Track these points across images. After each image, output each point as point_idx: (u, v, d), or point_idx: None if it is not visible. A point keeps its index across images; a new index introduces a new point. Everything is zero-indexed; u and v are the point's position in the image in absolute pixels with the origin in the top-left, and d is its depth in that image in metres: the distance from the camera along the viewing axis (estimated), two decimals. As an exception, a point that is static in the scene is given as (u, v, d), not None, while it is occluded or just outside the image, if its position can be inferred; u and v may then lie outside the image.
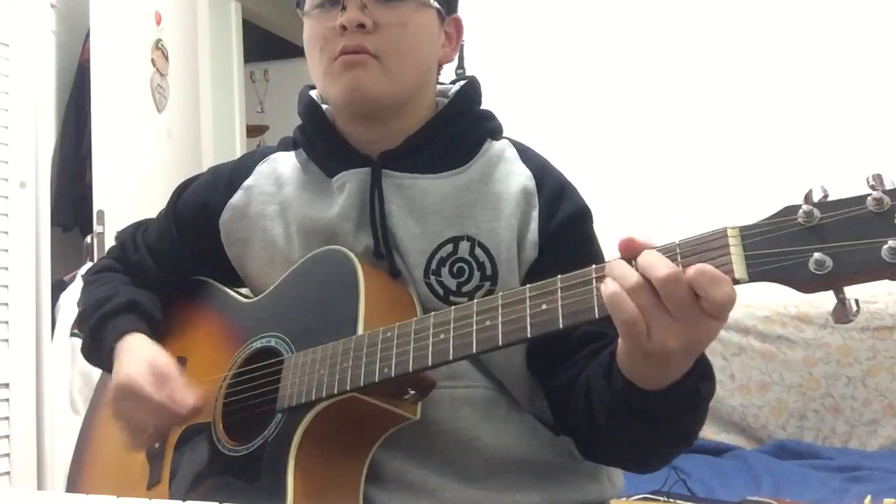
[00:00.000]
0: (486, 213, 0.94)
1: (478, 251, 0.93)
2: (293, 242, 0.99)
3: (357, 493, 0.86)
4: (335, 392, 0.83)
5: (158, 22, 2.94)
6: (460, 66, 2.11)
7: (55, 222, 2.58)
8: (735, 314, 2.39)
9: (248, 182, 1.05)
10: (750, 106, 2.66)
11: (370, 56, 0.92)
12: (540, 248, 0.94)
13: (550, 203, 0.95)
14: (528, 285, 0.74)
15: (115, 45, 2.64)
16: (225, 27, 3.91)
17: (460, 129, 0.99)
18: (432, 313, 0.80)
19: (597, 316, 0.68)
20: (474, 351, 0.75)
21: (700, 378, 0.74)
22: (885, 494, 1.74)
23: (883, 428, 2.27)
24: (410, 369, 0.79)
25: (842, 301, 0.61)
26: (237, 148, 3.91)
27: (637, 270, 0.65)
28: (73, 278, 2.45)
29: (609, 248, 0.80)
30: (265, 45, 4.99)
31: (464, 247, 0.93)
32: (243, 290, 1.09)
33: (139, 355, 0.97)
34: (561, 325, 0.70)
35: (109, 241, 2.40)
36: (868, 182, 0.59)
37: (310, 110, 1.02)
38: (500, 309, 0.74)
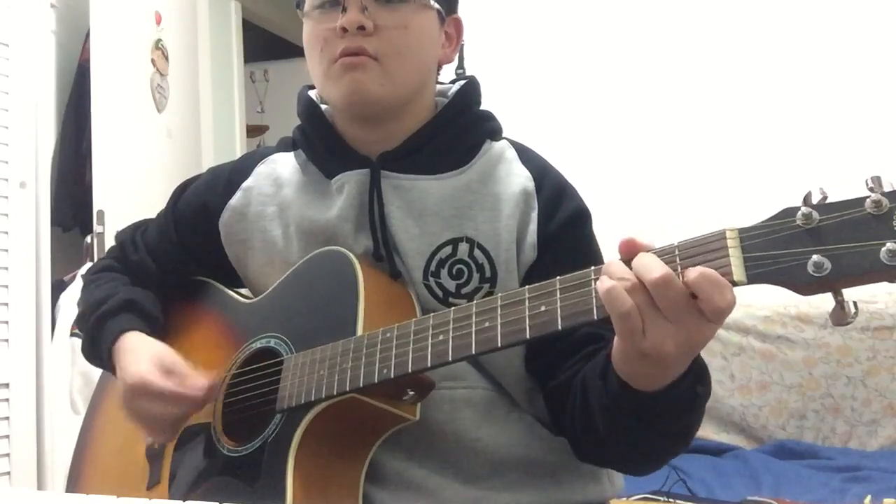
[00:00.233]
0: (486, 215, 0.94)
1: (477, 253, 0.93)
2: (292, 243, 0.99)
3: (357, 493, 0.86)
4: (335, 393, 0.83)
5: (158, 22, 2.94)
6: (460, 66, 2.10)
7: (55, 222, 2.58)
8: (735, 314, 2.39)
9: (248, 183, 1.04)
10: (749, 107, 2.66)
11: (370, 58, 0.91)
12: (539, 249, 0.94)
13: (550, 204, 0.95)
14: (526, 286, 0.74)
15: (115, 45, 2.64)
16: (225, 27, 3.91)
17: (459, 129, 0.99)
18: (431, 314, 0.80)
19: (595, 317, 0.68)
20: (473, 352, 0.75)
21: (696, 380, 0.74)
22: (885, 494, 1.74)
23: (883, 428, 2.27)
24: (409, 370, 0.79)
25: (840, 303, 0.61)
26: (237, 148, 3.91)
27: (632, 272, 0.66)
28: (73, 278, 2.45)
29: (609, 249, 0.80)
30: (265, 45, 4.99)
31: (463, 248, 0.93)
32: (243, 291, 1.09)
33: (142, 353, 0.97)
34: (560, 327, 0.70)
35: (109, 241, 2.40)
36: (867, 184, 0.59)
37: (309, 111, 1.02)
38: (499, 310, 0.74)
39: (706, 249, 0.64)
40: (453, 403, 0.91)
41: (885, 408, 2.28)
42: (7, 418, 2.33)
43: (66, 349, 2.31)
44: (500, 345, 0.73)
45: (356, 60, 0.91)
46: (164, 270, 1.11)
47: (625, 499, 1.80)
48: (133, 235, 1.15)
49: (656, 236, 0.68)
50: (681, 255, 0.65)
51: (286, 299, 0.97)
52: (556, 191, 0.96)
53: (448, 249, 0.93)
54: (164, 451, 1.00)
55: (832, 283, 0.59)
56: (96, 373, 1.17)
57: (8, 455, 2.32)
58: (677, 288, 0.63)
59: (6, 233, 2.36)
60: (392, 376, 0.79)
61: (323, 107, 1.02)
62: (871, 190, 0.58)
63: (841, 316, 0.61)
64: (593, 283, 0.68)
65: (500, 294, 0.76)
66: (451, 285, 0.93)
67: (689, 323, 0.64)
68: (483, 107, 1.03)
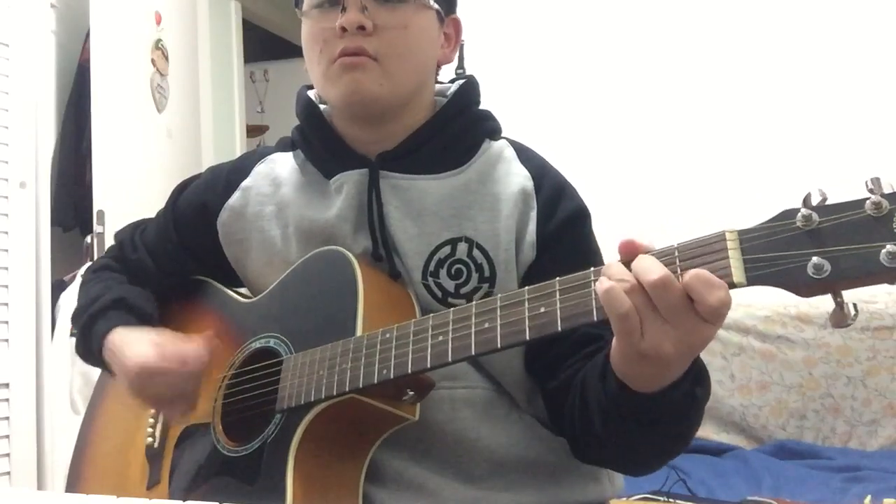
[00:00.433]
0: (485, 214, 0.94)
1: (476, 252, 0.93)
2: (291, 243, 0.99)
3: (356, 493, 0.86)
4: (334, 393, 0.83)
5: (158, 22, 2.94)
6: (460, 66, 2.10)
7: (55, 222, 2.58)
8: (735, 314, 2.40)
9: (246, 183, 1.04)
10: (750, 108, 2.66)
11: (370, 58, 0.91)
12: (538, 249, 0.94)
13: (549, 204, 0.95)
14: (526, 287, 0.73)
15: (115, 45, 2.64)
16: (225, 27, 3.91)
17: (458, 129, 0.99)
18: (431, 315, 0.80)
19: (595, 319, 0.68)
20: (473, 353, 0.75)
21: (696, 382, 0.73)
22: (885, 494, 1.74)
23: (883, 428, 2.27)
24: (409, 371, 0.79)
25: (840, 305, 0.60)
26: (237, 148, 3.91)
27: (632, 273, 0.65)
28: (73, 278, 2.44)
29: (608, 249, 0.80)
30: (265, 45, 4.99)
31: (462, 248, 0.93)
32: (242, 290, 1.09)
33: (136, 340, 0.97)
34: (559, 328, 0.69)
35: (109, 241, 2.38)
36: (867, 186, 0.58)
37: (307, 111, 1.02)
38: (498, 311, 0.74)
39: (706, 251, 0.64)
40: (453, 403, 0.91)
41: (885, 408, 2.28)
42: (7, 418, 2.33)
43: (66, 349, 2.30)
44: (499, 346, 0.73)
45: (356, 60, 0.91)
46: (163, 270, 1.11)
47: (625, 499, 1.80)
48: (132, 235, 1.15)
49: (656, 236, 0.68)
50: (680, 256, 0.65)
51: (285, 299, 0.97)
52: (555, 190, 0.96)
53: (447, 249, 0.93)
54: (164, 451, 1.00)
55: (832, 284, 0.59)
56: (96, 373, 1.17)
57: (8, 455, 2.32)
58: (675, 290, 0.63)
59: (6, 233, 2.36)
60: (391, 377, 0.79)
61: (322, 107, 1.02)
62: (871, 192, 0.58)
63: (841, 318, 0.61)
64: (593, 285, 0.68)
65: (499, 295, 0.75)
66: (450, 285, 0.92)
67: (686, 324, 0.64)
68: (482, 106, 1.03)
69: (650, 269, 0.64)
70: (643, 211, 2.67)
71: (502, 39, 2.88)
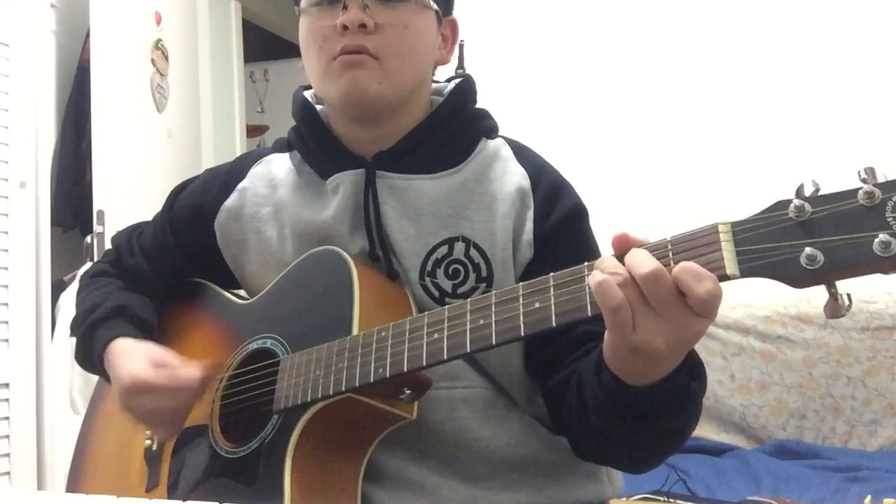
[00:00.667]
0: (482, 214, 0.94)
1: (473, 252, 0.93)
2: (286, 244, 0.99)
3: (355, 493, 0.85)
4: (331, 393, 0.83)
5: (158, 22, 2.94)
6: (461, 66, 2.11)
7: (55, 222, 2.58)
8: (735, 314, 2.40)
9: (243, 184, 1.04)
10: (745, 101, 2.67)
11: (370, 56, 0.91)
12: (536, 247, 0.93)
13: (546, 202, 0.95)
14: (521, 283, 0.73)
15: (115, 45, 2.64)
16: (225, 27, 3.91)
17: (455, 128, 0.99)
18: (426, 312, 0.80)
19: (589, 314, 0.68)
20: (468, 350, 0.75)
21: (691, 376, 0.73)
22: (885, 494, 1.74)
23: (883, 428, 2.27)
24: (405, 369, 0.78)
25: (833, 296, 0.60)
26: (237, 148, 3.91)
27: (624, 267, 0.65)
28: (73, 278, 2.44)
29: (606, 246, 0.79)
30: (265, 45, 4.99)
31: (459, 248, 0.93)
32: (239, 292, 1.09)
33: (133, 354, 0.97)
34: (554, 324, 0.69)
35: (109, 241, 2.39)
36: (860, 175, 0.58)
37: (304, 111, 1.02)
38: (493, 307, 0.74)
39: (699, 244, 0.64)
40: (452, 403, 0.90)
41: (885, 408, 2.27)
42: (7, 418, 2.33)
43: (66, 349, 2.30)
44: (494, 342, 0.73)
45: (357, 58, 0.91)
46: (160, 274, 1.11)
47: (625, 499, 1.79)
48: (129, 239, 1.15)
49: (655, 233, 0.68)
50: (674, 249, 0.65)
51: (282, 300, 0.97)
52: (552, 188, 0.96)
53: (444, 249, 0.93)
54: (163, 453, 1.00)
55: (825, 275, 0.59)
56: (95, 373, 1.17)
57: (8, 455, 2.32)
58: (667, 283, 0.63)
59: (6, 233, 2.36)
60: (388, 375, 0.79)
61: (318, 107, 1.02)
62: (864, 181, 0.58)
63: (835, 308, 0.60)
64: (587, 279, 0.68)
65: (494, 291, 0.75)
66: (447, 285, 0.92)
67: (678, 317, 0.64)
68: (480, 105, 1.03)
69: (642, 262, 0.64)
70: (641, 208, 2.67)
71: (500, 38, 2.89)
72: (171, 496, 0.95)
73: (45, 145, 2.56)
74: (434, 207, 0.94)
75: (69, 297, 2.34)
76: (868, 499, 1.69)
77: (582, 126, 2.80)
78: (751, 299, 2.38)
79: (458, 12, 1.05)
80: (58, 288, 2.46)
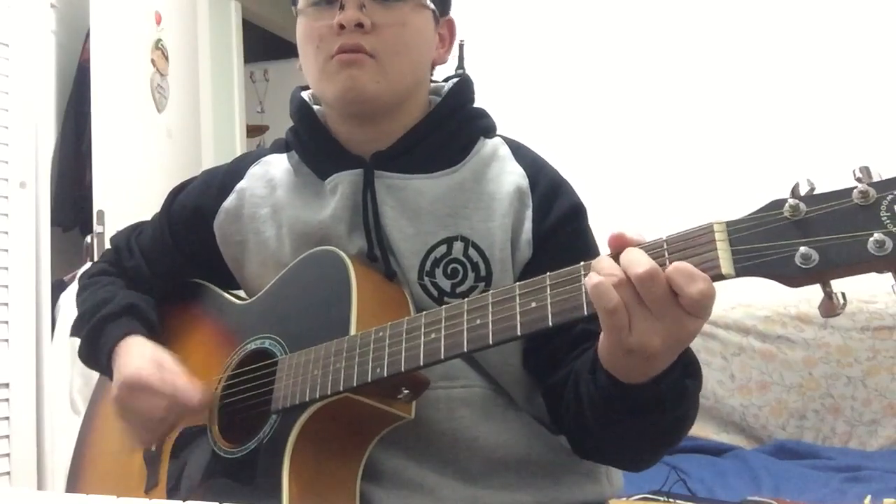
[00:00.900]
0: (480, 213, 0.94)
1: (472, 252, 0.93)
2: (285, 245, 0.99)
3: (354, 492, 0.85)
4: (328, 393, 0.83)
5: (158, 22, 2.94)
6: (460, 66, 2.11)
7: (55, 222, 2.58)
8: (735, 314, 2.40)
9: (241, 185, 1.04)
10: (741, 100, 2.67)
11: (367, 56, 0.91)
12: (534, 247, 0.93)
13: (544, 201, 0.95)
14: (517, 283, 0.73)
15: (115, 45, 2.64)
16: (225, 27, 3.92)
17: (453, 127, 0.98)
18: (423, 312, 0.80)
19: (585, 313, 0.68)
20: (465, 350, 0.75)
21: (685, 373, 0.73)
22: (885, 494, 1.74)
23: (883, 428, 2.27)
24: (403, 369, 0.78)
25: (828, 295, 0.60)
26: (237, 148, 3.91)
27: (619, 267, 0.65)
28: (73, 278, 2.45)
29: (605, 245, 0.79)
30: (265, 45, 4.99)
31: (458, 247, 0.93)
32: (238, 292, 1.09)
33: (142, 352, 0.98)
34: (550, 323, 0.69)
35: (109, 242, 2.39)
36: (854, 175, 0.58)
37: (301, 112, 1.01)
38: (490, 307, 0.74)
39: (694, 243, 0.64)
40: (450, 403, 0.90)
41: (885, 408, 2.27)
42: (7, 418, 2.33)
43: (66, 349, 2.30)
44: (491, 342, 0.73)
45: (354, 57, 0.91)
46: (159, 274, 1.11)
47: (624, 499, 1.79)
48: (128, 240, 1.15)
49: (652, 233, 0.68)
50: (669, 249, 0.65)
51: (280, 300, 0.97)
52: (550, 187, 0.96)
53: (443, 249, 0.93)
54: (161, 453, 1.00)
55: (820, 274, 0.59)
56: (96, 373, 1.17)
57: (8, 455, 2.32)
58: (662, 282, 0.63)
59: (6, 233, 2.36)
60: (385, 375, 0.79)
61: (316, 108, 1.02)
62: (859, 180, 0.58)
63: (830, 307, 0.60)
64: (583, 279, 0.68)
65: (490, 291, 0.75)
66: (446, 285, 0.92)
67: (673, 317, 0.64)
68: (478, 104, 1.03)
69: (637, 261, 0.64)
70: (638, 207, 2.67)
71: (498, 37, 2.89)
72: (170, 496, 0.95)
73: (45, 145, 2.56)
74: (433, 207, 0.94)
75: (69, 297, 2.34)
76: (868, 499, 1.69)
77: (580, 125, 2.80)
78: (751, 299, 2.38)
79: (456, 12, 1.05)
80: (58, 288, 2.46)
